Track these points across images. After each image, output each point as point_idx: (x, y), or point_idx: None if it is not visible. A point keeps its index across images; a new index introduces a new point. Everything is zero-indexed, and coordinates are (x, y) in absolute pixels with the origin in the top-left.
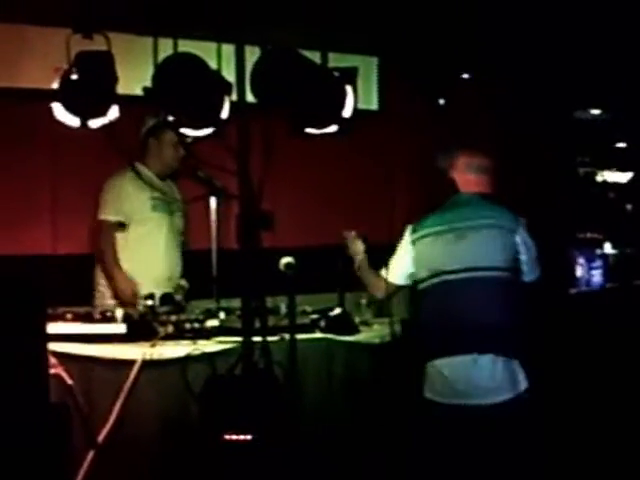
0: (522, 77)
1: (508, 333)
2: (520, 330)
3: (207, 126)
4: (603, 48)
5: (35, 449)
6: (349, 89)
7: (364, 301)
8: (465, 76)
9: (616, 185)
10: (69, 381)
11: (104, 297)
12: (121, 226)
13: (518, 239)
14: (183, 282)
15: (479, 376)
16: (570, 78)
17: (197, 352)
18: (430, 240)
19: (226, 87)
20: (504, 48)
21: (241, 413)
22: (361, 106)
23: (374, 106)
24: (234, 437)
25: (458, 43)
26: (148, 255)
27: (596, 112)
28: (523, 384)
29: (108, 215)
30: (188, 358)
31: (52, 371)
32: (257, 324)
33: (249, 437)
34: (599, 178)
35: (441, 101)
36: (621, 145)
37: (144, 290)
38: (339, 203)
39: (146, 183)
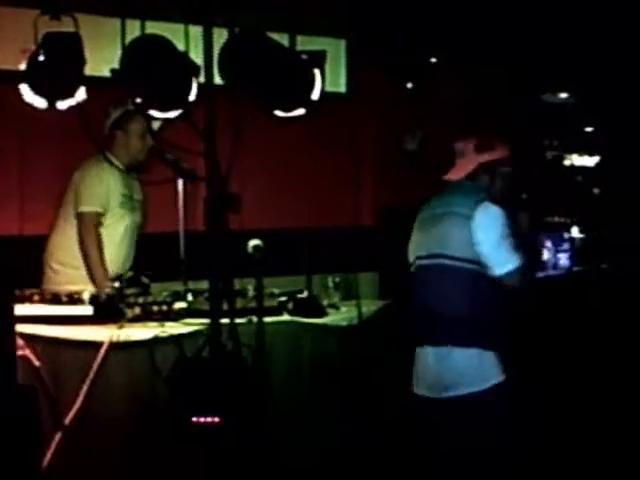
0: (490, 60)
1: (470, 325)
2: (489, 323)
3: (175, 108)
4: (571, 31)
5: (2, 430)
6: (317, 72)
7: (331, 284)
8: (433, 60)
9: (583, 169)
10: (36, 363)
11: (52, 281)
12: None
13: (473, 226)
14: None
15: (444, 368)
16: (538, 61)
17: (165, 334)
18: (416, 225)
19: (194, 69)
20: (473, 31)
21: (209, 395)
22: (329, 89)
23: (342, 89)
24: (202, 420)
25: (427, 26)
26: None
27: (564, 96)
28: (494, 378)
29: (93, 206)
30: (156, 340)
31: (19, 353)
32: (225, 306)
33: (217, 420)
34: (567, 162)
35: (409, 85)
36: (589, 129)
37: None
38: (307, 186)
39: (120, 176)
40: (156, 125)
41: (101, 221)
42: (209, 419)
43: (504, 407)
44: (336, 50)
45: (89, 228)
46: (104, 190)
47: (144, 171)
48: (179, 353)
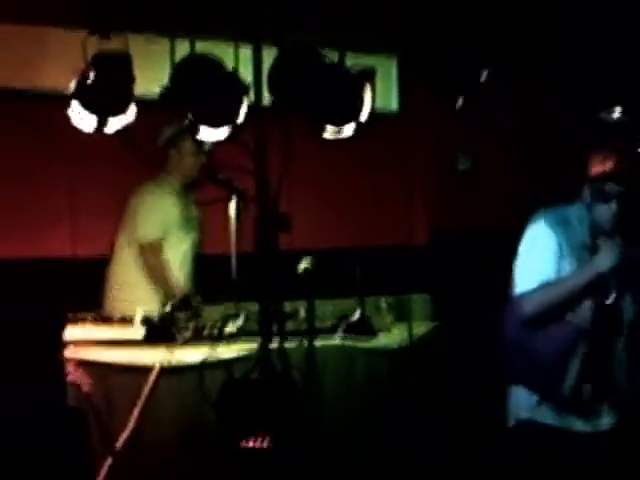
0: (547, 74)
1: None
2: None
3: (225, 126)
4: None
5: (53, 454)
6: (367, 89)
7: (384, 305)
8: (484, 74)
9: None
10: (85, 388)
11: (115, 300)
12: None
13: None
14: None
15: None
16: (600, 78)
17: (214, 358)
18: None
19: (243, 88)
20: (528, 45)
21: (259, 418)
22: (380, 107)
23: (394, 107)
24: (251, 444)
25: (478, 42)
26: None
27: (621, 114)
28: None
29: (155, 234)
30: (205, 364)
31: (70, 377)
32: (275, 328)
33: (266, 445)
34: None
35: (459, 101)
36: None
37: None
38: (358, 206)
39: (178, 197)
40: (207, 146)
41: (162, 244)
42: (258, 444)
43: None
44: (388, 67)
45: (154, 256)
46: (163, 215)
47: (197, 189)
48: (227, 376)
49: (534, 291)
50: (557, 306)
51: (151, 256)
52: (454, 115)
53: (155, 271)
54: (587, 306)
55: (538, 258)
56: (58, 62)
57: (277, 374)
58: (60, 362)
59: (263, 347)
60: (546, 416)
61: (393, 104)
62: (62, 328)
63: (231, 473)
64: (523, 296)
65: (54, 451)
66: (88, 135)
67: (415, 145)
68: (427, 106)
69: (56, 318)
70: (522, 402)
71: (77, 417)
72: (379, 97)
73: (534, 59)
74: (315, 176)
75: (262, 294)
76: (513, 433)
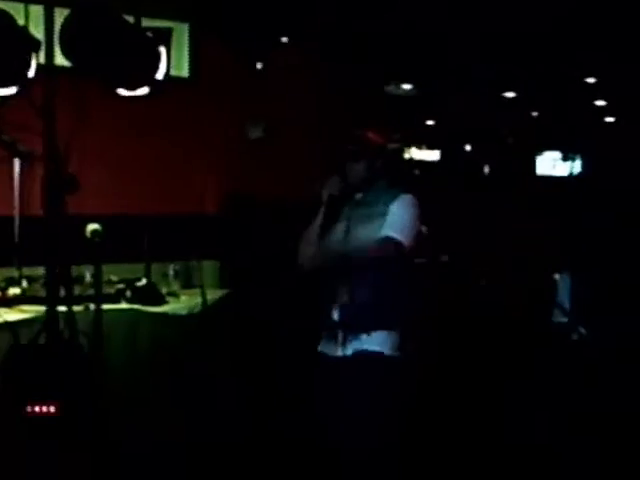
0: (338, 48)
1: None
2: None
3: (13, 84)
4: (418, 21)
5: None
6: (163, 50)
7: (171, 272)
8: (284, 40)
9: (423, 163)
10: None
11: None
12: None
13: None
14: None
15: None
16: (384, 51)
17: None
18: None
19: (34, 44)
20: (323, 13)
21: (46, 384)
22: (172, 73)
23: (185, 73)
24: (37, 409)
25: (278, 5)
26: None
27: (408, 87)
28: None
29: None
30: None
31: None
32: (62, 293)
33: (53, 410)
34: (406, 155)
35: (259, 65)
36: (430, 122)
37: None
38: (149, 172)
39: None
40: None
41: None
42: (44, 408)
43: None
44: (179, 33)
45: None
46: None
47: None
48: (13, 340)
49: None
50: None
51: None
52: (248, 83)
53: None
54: None
55: None
56: None
57: (64, 339)
58: None
59: (50, 312)
60: None
61: (184, 70)
62: None
63: (15, 440)
64: None
65: None
66: None
67: (207, 112)
68: (219, 74)
69: None
70: None
71: None
72: (171, 63)
73: (327, 32)
74: (106, 140)
75: (49, 257)
76: None
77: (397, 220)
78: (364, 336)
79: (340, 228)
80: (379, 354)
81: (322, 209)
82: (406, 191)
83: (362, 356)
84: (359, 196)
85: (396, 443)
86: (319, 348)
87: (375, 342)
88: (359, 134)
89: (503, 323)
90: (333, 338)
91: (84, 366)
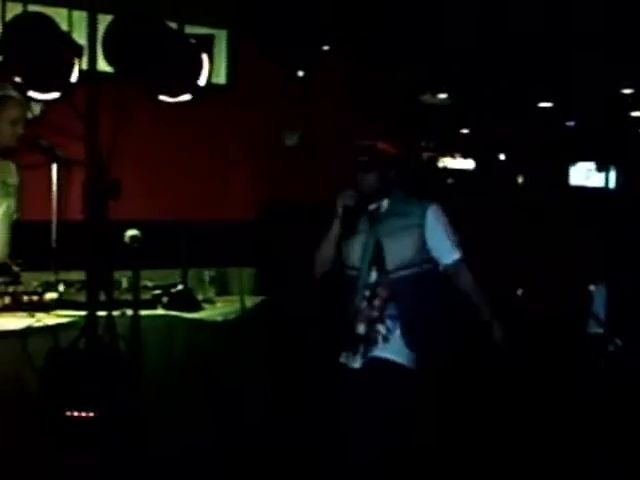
0: (375, 57)
1: None
2: None
3: (56, 89)
4: (454, 32)
5: None
6: (205, 57)
7: (207, 278)
8: (325, 48)
9: (457, 171)
10: None
11: None
12: None
13: None
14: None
15: None
16: (420, 60)
17: (39, 324)
18: None
19: (77, 49)
20: (364, 22)
21: (85, 388)
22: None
23: (222, 80)
24: (76, 414)
25: (319, 13)
26: None
27: (443, 96)
28: None
29: None
30: (29, 330)
31: None
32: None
33: (91, 414)
34: (440, 164)
35: (300, 73)
36: (465, 131)
37: None
38: (187, 178)
39: None
40: (37, 109)
41: None
42: (83, 414)
43: None
44: (217, 41)
45: None
46: None
47: (14, 157)
48: (53, 344)
49: None
50: None
51: None
52: (285, 90)
53: None
54: None
55: None
56: None
57: (105, 344)
58: None
59: (90, 316)
60: None
61: (221, 77)
62: None
63: (53, 444)
64: None
65: None
66: None
67: (245, 119)
68: (256, 81)
69: None
70: None
71: None
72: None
73: (366, 40)
74: (146, 146)
75: (90, 262)
76: None
77: (444, 237)
78: (381, 344)
79: (359, 240)
80: (392, 362)
81: (336, 220)
82: (430, 200)
83: (375, 362)
84: (384, 208)
85: (411, 449)
86: (341, 359)
87: (390, 351)
88: (370, 145)
89: (540, 333)
90: (355, 350)
91: (124, 371)
